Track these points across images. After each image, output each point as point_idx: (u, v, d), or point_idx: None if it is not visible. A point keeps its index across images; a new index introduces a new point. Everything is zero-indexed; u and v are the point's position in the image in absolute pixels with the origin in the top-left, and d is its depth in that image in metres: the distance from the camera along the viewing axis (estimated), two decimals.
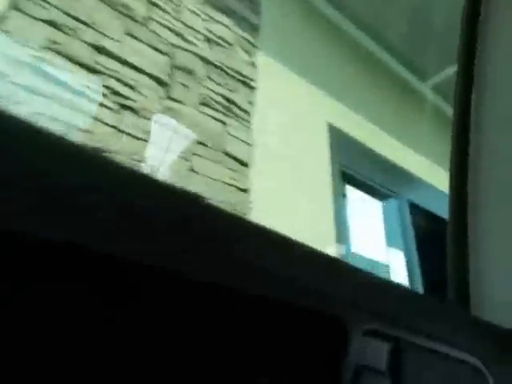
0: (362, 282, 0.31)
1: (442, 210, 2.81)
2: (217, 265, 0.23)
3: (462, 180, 0.56)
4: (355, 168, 2.27)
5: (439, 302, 0.37)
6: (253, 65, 1.92)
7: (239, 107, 1.76)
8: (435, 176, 2.81)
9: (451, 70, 3.14)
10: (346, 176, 2.22)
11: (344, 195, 2.15)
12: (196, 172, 1.48)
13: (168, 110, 1.49)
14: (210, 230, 0.23)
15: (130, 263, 0.20)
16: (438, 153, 2.91)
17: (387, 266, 2.16)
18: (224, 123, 1.66)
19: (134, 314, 0.21)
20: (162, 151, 1.44)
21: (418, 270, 2.33)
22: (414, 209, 2.56)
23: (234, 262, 0.23)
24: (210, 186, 1.50)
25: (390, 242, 2.33)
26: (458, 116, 0.58)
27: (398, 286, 0.35)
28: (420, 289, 2.27)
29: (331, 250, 1.92)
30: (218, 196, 1.50)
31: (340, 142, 2.25)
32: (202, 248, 0.22)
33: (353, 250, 2.01)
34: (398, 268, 2.23)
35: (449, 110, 3.21)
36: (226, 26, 1.87)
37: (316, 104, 2.25)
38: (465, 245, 0.54)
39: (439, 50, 3.15)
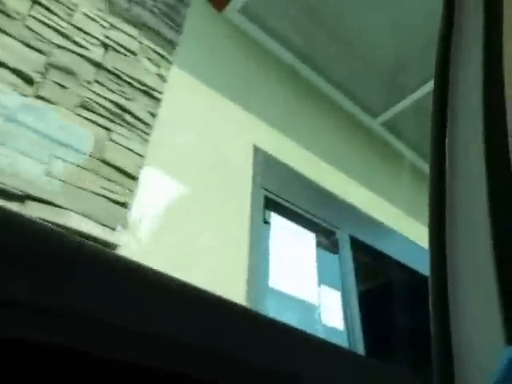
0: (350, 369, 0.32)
1: (388, 247, 2.58)
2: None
3: (440, 252, 0.55)
4: (287, 196, 2.06)
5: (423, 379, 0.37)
6: (161, 77, 1.78)
7: (134, 116, 1.58)
8: (381, 211, 2.60)
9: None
10: (273, 204, 2.00)
11: (267, 222, 1.92)
12: (57, 178, 1.26)
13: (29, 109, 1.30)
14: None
15: None
16: (385, 187, 2.73)
17: (317, 306, 1.88)
18: (108, 129, 1.47)
19: None
20: (17, 152, 1.23)
21: (356, 312, 2.04)
22: (356, 245, 2.32)
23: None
24: (74, 194, 1.27)
25: (325, 280, 2.06)
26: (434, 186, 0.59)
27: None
28: (358, 332, 1.97)
29: (240, 282, 1.66)
30: (82, 206, 1.27)
31: (267, 166, 2.06)
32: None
33: (273, 286, 1.74)
34: (332, 309, 1.95)
35: (396, 143, 3.08)
36: (132, 36, 1.75)
37: (243, 126, 2.09)
38: (447, 328, 0.51)
39: (386, 86, 3.09)
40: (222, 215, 1.77)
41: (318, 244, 2.16)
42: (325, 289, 1.99)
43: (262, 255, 1.80)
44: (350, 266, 2.18)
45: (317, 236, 2.15)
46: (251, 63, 2.38)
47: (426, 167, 3.30)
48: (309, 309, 1.86)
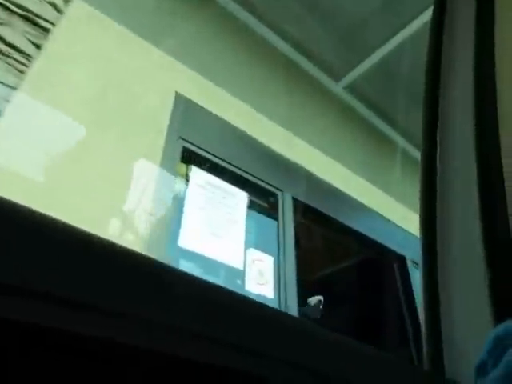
0: (341, 354, 0.31)
1: (334, 210, 2.33)
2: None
3: (432, 257, 0.62)
4: (214, 151, 1.81)
5: (415, 368, 0.46)
6: (54, 6, 1.53)
7: (7, 43, 1.35)
8: (333, 174, 2.35)
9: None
10: (197, 158, 1.76)
11: (184, 176, 1.67)
12: None
13: None
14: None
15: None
16: (341, 151, 2.48)
17: (241, 271, 1.63)
18: None
19: None
20: None
21: (293, 281, 1.80)
22: (299, 207, 2.07)
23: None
24: None
25: (259, 244, 1.82)
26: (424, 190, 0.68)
27: (380, 355, 0.34)
28: (293, 303, 1.73)
29: (143, 242, 1.42)
30: None
31: (190, 115, 1.81)
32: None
33: (185, 246, 1.50)
34: (263, 276, 1.70)
35: (357, 105, 2.81)
36: None
37: (161, 69, 1.84)
38: (437, 314, 0.57)
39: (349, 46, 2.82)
40: (124, 164, 1.52)
41: (254, 205, 1.92)
42: (255, 254, 1.75)
43: (173, 213, 1.55)
44: (289, 230, 1.93)
45: (252, 196, 1.91)
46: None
47: (384, 128, 3.04)
48: (230, 273, 1.62)
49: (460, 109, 0.66)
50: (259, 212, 1.94)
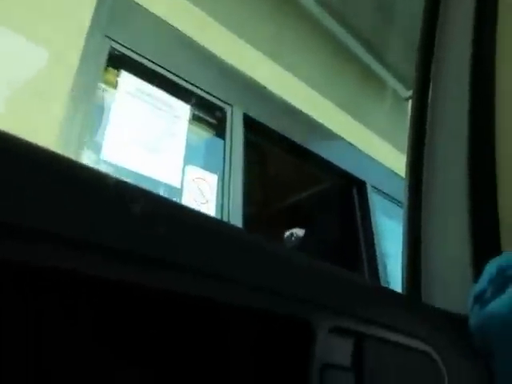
0: (320, 279, 0.30)
1: (291, 131, 2.19)
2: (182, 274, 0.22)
3: (416, 181, 0.63)
4: (150, 55, 1.58)
5: (395, 293, 0.39)
6: None
7: None
8: (288, 90, 2.17)
9: None
10: (128, 62, 1.54)
11: (110, 83, 1.46)
12: None
13: None
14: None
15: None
16: (297, 64, 2.27)
17: (178, 189, 1.50)
18: None
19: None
20: None
21: (238, 203, 1.68)
22: (250, 124, 1.91)
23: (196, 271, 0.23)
24: None
25: (202, 162, 1.67)
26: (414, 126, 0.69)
27: (357, 279, 0.34)
28: (239, 222, 1.63)
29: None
30: None
31: (122, 11, 1.56)
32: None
33: (108, 159, 1.34)
34: (204, 196, 1.58)
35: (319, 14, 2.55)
36: None
37: None
38: (418, 243, 0.59)
39: None
40: (34, 66, 1.30)
41: (200, 120, 1.74)
42: (196, 171, 1.61)
43: (96, 123, 1.37)
44: (237, 148, 1.78)
45: (197, 110, 1.72)
46: None
47: (350, 42, 2.82)
48: (166, 191, 1.48)
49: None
50: (206, 128, 1.77)
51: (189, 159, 1.59)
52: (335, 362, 0.28)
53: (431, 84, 0.68)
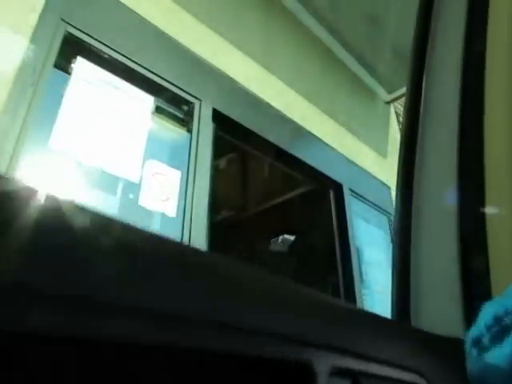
0: (320, 315, 0.30)
1: (263, 128, 2.10)
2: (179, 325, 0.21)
3: (406, 208, 0.62)
4: (108, 41, 1.48)
5: (386, 320, 0.40)
6: None
7: None
8: (262, 85, 2.09)
9: None
10: (87, 48, 1.43)
11: (64, 69, 1.36)
12: None
13: None
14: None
15: None
16: (271, 57, 2.19)
17: (135, 184, 1.39)
18: None
19: None
20: None
21: (204, 201, 1.59)
22: (221, 120, 1.82)
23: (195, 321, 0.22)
24: None
25: (167, 156, 1.57)
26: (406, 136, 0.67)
27: (344, 306, 0.35)
28: (201, 223, 1.53)
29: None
30: None
31: None
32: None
33: (57, 148, 1.23)
34: (164, 190, 1.48)
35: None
36: None
37: None
38: (407, 268, 0.59)
39: None
40: None
41: (163, 112, 1.64)
42: (157, 166, 1.51)
43: (46, 110, 1.26)
44: (205, 144, 1.69)
45: (160, 102, 1.62)
46: None
47: (330, 42, 2.76)
48: (123, 186, 1.38)
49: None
50: (173, 122, 1.67)
51: (151, 154, 1.49)
52: None
53: (424, 82, 0.68)
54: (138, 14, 1.61)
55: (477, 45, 0.63)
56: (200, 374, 0.24)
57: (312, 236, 2.64)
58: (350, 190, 2.60)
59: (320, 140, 2.49)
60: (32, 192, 0.18)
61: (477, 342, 0.39)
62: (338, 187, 2.52)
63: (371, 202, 2.78)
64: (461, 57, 0.64)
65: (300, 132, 2.37)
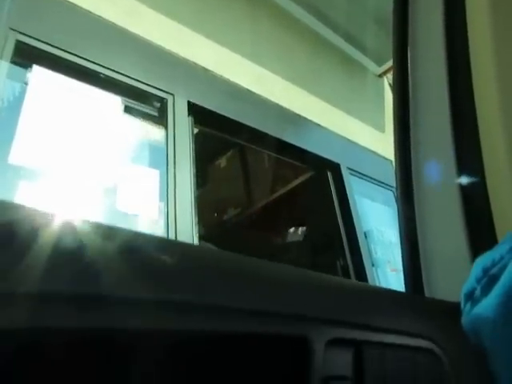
0: (315, 291, 0.30)
1: (248, 117, 2.00)
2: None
3: (408, 186, 0.62)
4: (65, 45, 1.42)
5: (392, 292, 0.39)
6: None
7: None
8: (236, 74, 2.00)
9: None
10: (44, 55, 1.37)
11: (22, 81, 1.29)
12: None
13: None
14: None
15: None
16: (244, 45, 2.10)
17: (111, 189, 1.32)
18: None
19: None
20: None
21: (188, 200, 1.51)
22: (199, 113, 1.74)
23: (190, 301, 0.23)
24: None
25: (141, 156, 1.50)
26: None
27: (350, 284, 0.37)
28: (187, 222, 1.45)
29: None
30: None
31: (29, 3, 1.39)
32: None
33: (17, 162, 1.16)
34: (144, 192, 1.41)
35: None
36: None
37: None
38: (416, 240, 0.58)
39: None
40: None
41: (134, 112, 1.57)
42: (134, 168, 1.44)
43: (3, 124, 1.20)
44: (183, 140, 1.61)
45: (129, 102, 1.55)
46: None
47: (312, 19, 2.65)
48: (99, 193, 1.31)
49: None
50: (145, 120, 1.60)
51: (125, 156, 1.42)
52: (335, 373, 0.28)
53: (409, 52, 0.67)
54: (94, 14, 1.54)
55: (458, 11, 0.63)
56: (205, 354, 0.26)
57: (320, 222, 2.55)
58: (349, 168, 2.50)
59: (311, 122, 2.40)
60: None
61: (469, 296, 0.39)
62: (335, 167, 2.43)
63: (373, 179, 2.67)
64: (443, 24, 0.63)
65: (289, 116, 2.29)
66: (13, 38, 1.30)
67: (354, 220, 2.30)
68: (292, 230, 2.84)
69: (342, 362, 0.29)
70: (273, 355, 0.28)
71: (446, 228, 0.57)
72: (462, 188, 0.58)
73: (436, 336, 0.36)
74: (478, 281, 0.38)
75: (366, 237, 2.31)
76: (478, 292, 0.38)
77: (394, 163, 0.68)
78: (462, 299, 0.41)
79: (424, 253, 0.58)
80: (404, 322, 0.35)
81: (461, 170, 0.59)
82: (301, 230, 2.79)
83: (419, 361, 0.34)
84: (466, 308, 0.40)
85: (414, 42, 0.67)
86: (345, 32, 2.91)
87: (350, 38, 2.98)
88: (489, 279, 0.37)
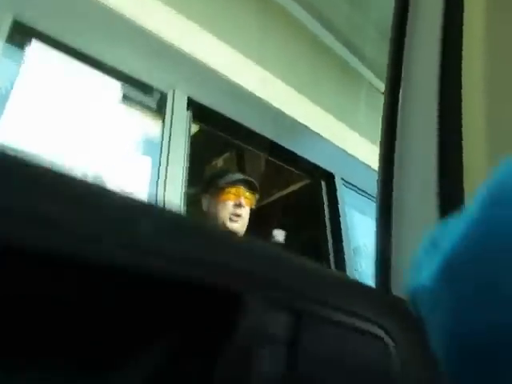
0: (260, 254, 0.31)
1: (246, 118, 2.01)
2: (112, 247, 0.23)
3: (388, 182, 0.63)
4: (64, 31, 1.42)
5: (344, 276, 0.44)
6: None
7: None
8: (243, 72, 2.01)
9: None
10: (48, 40, 1.37)
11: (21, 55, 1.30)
12: None
13: None
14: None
15: None
16: (252, 45, 2.12)
17: (97, 177, 1.33)
18: None
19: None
20: None
21: (178, 193, 1.52)
22: (199, 110, 1.75)
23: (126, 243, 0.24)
24: None
25: (136, 145, 1.51)
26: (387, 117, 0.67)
27: (302, 261, 0.34)
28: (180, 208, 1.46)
29: None
30: None
31: None
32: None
33: (9, 143, 1.17)
34: (134, 179, 1.41)
35: None
36: None
37: None
38: (389, 240, 0.60)
39: None
40: None
41: (132, 101, 1.58)
42: (128, 155, 1.44)
43: None
44: (179, 133, 1.61)
45: (128, 90, 1.56)
46: None
47: (323, 33, 2.68)
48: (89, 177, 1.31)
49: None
50: (143, 111, 1.61)
51: (119, 143, 1.43)
52: (269, 335, 0.28)
53: (403, 71, 0.69)
54: (102, 2, 1.55)
55: (453, 33, 0.65)
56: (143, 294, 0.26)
57: (308, 231, 2.56)
58: (343, 179, 2.51)
59: (310, 129, 2.41)
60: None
61: (417, 269, 0.37)
62: (329, 177, 2.44)
63: (365, 192, 2.69)
64: (438, 49, 0.65)
65: (288, 122, 2.30)
66: (10, 16, 1.30)
67: (343, 232, 2.31)
68: (275, 232, 2.85)
69: (277, 325, 0.29)
70: (203, 303, 0.28)
71: (419, 232, 0.58)
72: (441, 206, 0.58)
73: (389, 326, 0.36)
74: (426, 252, 0.37)
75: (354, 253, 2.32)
76: (422, 262, 0.37)
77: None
78: (410, 274, 0.39)
79: (395, 252, 0.59)
80: (359, 305, 0.35)
81: (441, 188, 0.60)
82: (283, 233, 2.80)
83: (366, 344, 0.34)
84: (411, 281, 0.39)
85: (409, 57, 0.69)
86: (352, 45, 2.94)
87: (356, 52, 3.00)
88: (435, 249, 0.35)
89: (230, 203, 1.47)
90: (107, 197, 0.26)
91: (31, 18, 1.33)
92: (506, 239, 0.28)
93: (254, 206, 1.56)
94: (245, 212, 1.50)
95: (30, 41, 1.33)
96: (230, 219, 1.46)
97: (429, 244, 0.36)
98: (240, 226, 1.48)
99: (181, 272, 0.25)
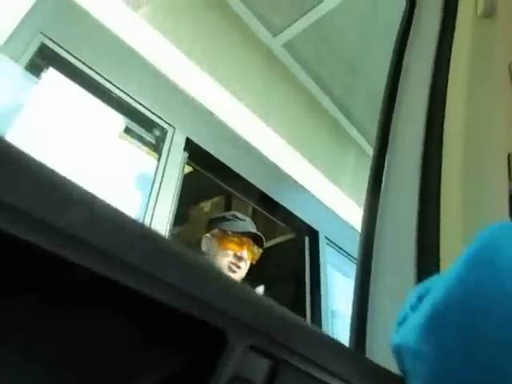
0: (249, 300, 0.31)
1: (239, 165, 2.05)
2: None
3: (368, 247, 0.66)
4: (86, 58, 1.47)
5: (325, 335, 0.38)
6: None
7: None
8: (238, 121, 2.08)
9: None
10: (66, 66, 1.42)
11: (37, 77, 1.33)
12: None
13: None
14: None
15: None
16: (257, 99, 2.21)
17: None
18: None
19: None
20: None
21: (165, 220, 1.51)
22: (193, 149, 1.78)
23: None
24: None
25: (129, 178, 1.51)
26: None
27: (286, 312, 0.34)
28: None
29: None
30: None
31: (59, 9, 1.46)
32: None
33: None
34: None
35: None
36: None
37: None
38: (366, 300, 0.62)
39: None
40: None
41: (133, 134, 1.60)
42: (119, 188, 1.44)
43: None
44: (173, 171, 1.63)
45: (131, 123, 1.59)
46: None
47: (317, 93, 2.80)
48: None
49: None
50: (142, 145, 1.63)
51: (112, 174, 1.43)
52: (245, 376, 0.28)
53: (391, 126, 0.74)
54: (118, 36, 1.62)
55: (439, 85, 0.71)
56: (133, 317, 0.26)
57: (287, 287, 2.52)
58: (327, 238, 2.53)
59: (299, 185, 2.46)
60: None
61: (401, 324, 0.38)
62: (313, 234, 2.45)
63: (348, 254, 2.70)
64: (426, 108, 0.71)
65: (278, 174, 2.34)
66: (38, 40, 1.35)
67: (322, 291, 2.28)
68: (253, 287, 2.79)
69: (256, 369, 0.29)
70: (184, 336, 0.28)
71: (397, 294, 0.59)
72: (418, 267, 0.60)
73: None
74: (412, 307, 0.37)
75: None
76: (407, 316, 0.37)
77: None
78: (394, 329, 0.40)
79: (371, 313, 0.60)
80: (335, 363, 0.35)
81: (419, 250, 0.61)
82: (262, 287, 2.75)
83: None
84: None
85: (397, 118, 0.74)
86: (347, 111, 3.08)
87: (351, 118, 3.14)
88: (419, 302, 0.37)
89: (232, 253, 1.42)
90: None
91: (55, 45, 1.38)
92: (483, 300, 0.30)
93: (254, 262, 1.51)
94: (245, 264, 1.46)
95: (47, 65, 1.36)
96: (229, 268, 1.41)
97: (416, 299, 0.37)
98: (237, 276, 1.43)
99: (168, 301, 0.25)
